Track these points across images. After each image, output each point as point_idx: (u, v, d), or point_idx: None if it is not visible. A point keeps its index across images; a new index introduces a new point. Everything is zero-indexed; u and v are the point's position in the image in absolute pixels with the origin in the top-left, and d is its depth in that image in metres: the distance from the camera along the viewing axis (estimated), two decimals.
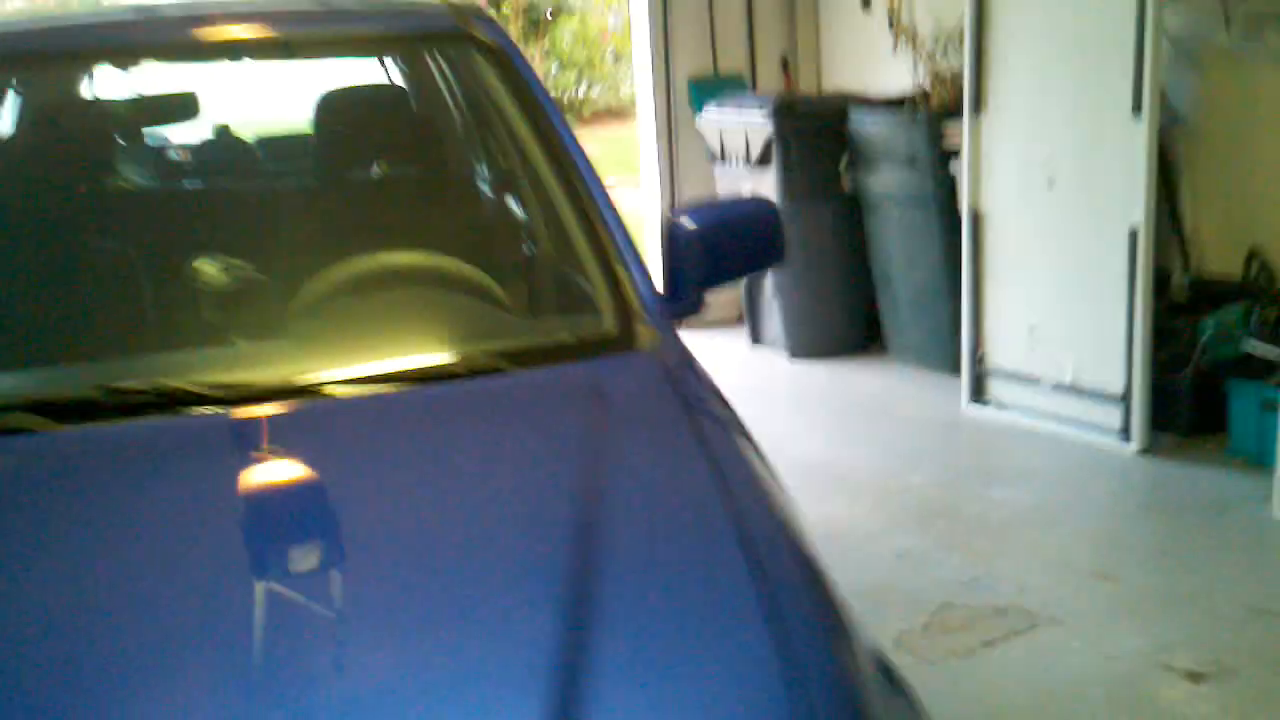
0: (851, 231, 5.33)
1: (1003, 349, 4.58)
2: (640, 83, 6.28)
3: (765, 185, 5.31)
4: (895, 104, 5.11)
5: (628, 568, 1.29)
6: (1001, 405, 4.60)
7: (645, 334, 1.86)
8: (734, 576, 1.28)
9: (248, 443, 1.57)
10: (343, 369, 1.71)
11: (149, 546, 1.35)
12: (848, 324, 5.55)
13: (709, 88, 5.83)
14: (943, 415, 4.71)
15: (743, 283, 5.72)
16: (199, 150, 2.72)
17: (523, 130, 2.17)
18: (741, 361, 5.64)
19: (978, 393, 4.67)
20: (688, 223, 2.02)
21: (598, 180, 2.09)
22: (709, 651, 1.18)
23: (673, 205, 6.07)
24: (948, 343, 4.85)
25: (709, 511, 1.41)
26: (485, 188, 2.37)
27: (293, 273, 2.00)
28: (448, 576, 1.29)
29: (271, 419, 1.61)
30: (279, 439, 1.58)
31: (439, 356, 1.79)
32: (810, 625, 1.25)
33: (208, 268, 1.97)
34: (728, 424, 1.72)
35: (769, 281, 5.50)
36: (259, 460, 1.54)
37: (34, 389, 1.73)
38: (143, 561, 1.32)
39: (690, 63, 5.95)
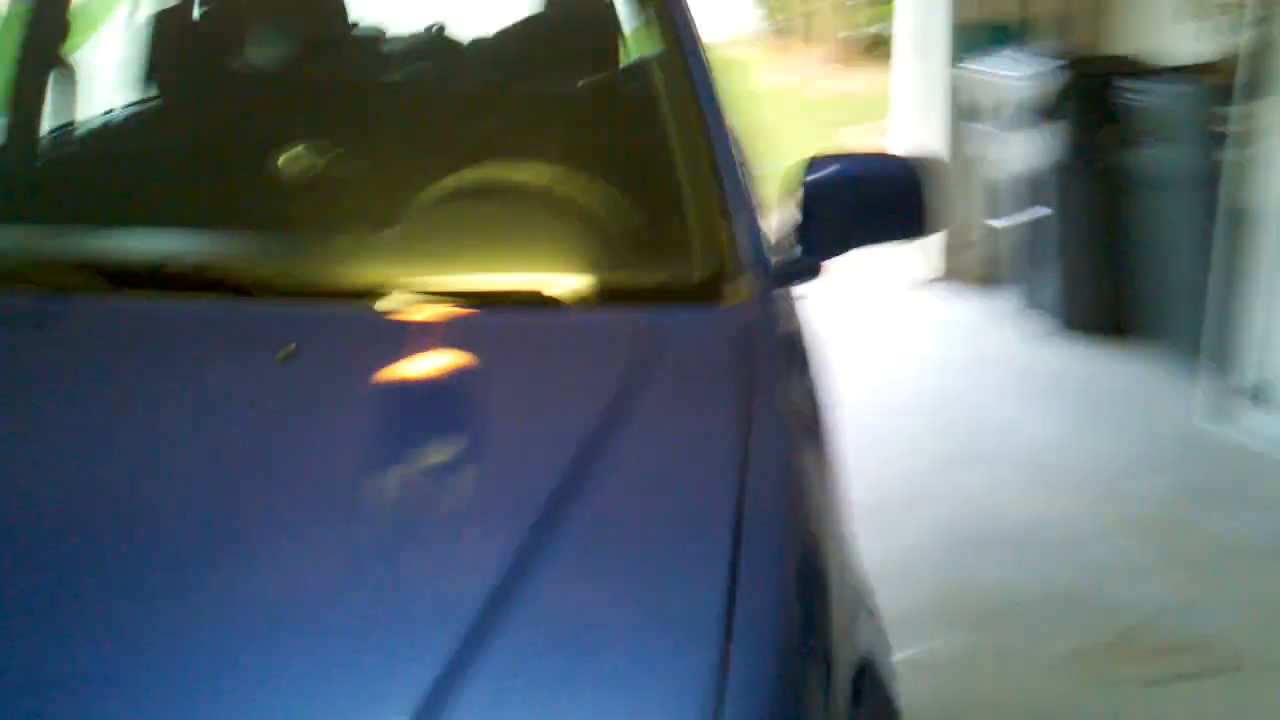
0: (1120, 207, 4.87)
1: (1271, 360, 4.11)
2: (901, 22, 5.98)
3: (1021, 148, 4.94)
4: (1177, 74, 4.61)
5: (587, 540, 1.17)
6: (1264, 422, 4.14)
7: (734, 291, 1.67)
8: (698, 575, 1.13)
9: (244, 338, 1.52)
10: (379, 280, 1.63)
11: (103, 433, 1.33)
12: (1110, 305, 5.08)
13: (976, 36, 5.44)
14: (1196, 421, 4.28)
15: (1011, 246, 5.40)
16: (404, 45, 2.72)
17: (654, 55, 2.02)
18: (991, 330, 5.33)
19: (1237, 404, 4.22)
20: (820, 177, 1.82)
21: (721, 117, 1.91)
22: (633, 651, 1.06)
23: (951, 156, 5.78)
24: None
25: (708, 497, 1.25)
26: (633, 113, 2.20)
27: (392, 175, 1.95)
28: (387, 528, 1.19)
29: (274, 317, 1.56)
30: (273, 338, 1.50)
31: (493, 281, 1.67)
32: (762, 637, 1.09)
33: (305, 159, 1.94)
34: (785, 404, 1.52)
35: (1031, 251, 5.16)
36: (246, 359, 1.47)
37: (76, 249, 1.72)
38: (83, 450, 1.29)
39: (958, 6, 5.53)
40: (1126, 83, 4.66)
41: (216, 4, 2.55)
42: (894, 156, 1.93)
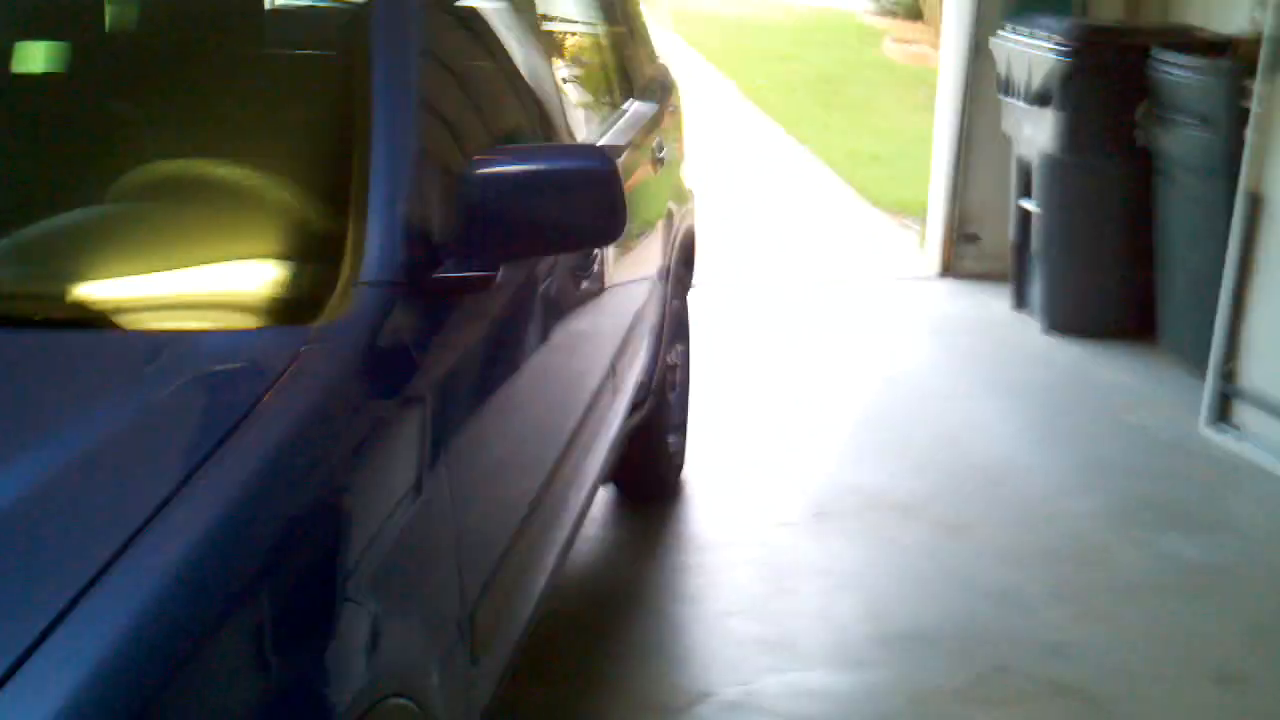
0: (1139, 194, 4.50)
1: (1266, 366, 3.77)
2: None
3: (1045, 127, 4.64)
4: (1210, 49, 4.23)
5: None
6: (1245, 435, 3.80)
7: (330, 308, 1.52)
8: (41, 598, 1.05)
9: None
10: None
11: None
12: (1119, 301, 4.76)
13: (1023, 4, 5.09)
14: (1174, 432, 3.93)
15: (1010, 236, 5.10)
16: None
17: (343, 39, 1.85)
18: (988, 327, 5.00)
19: (1221, 413, 3.89)
20: (489, 172, 1.67)
21: (397, 105, 1.73)
22: None
23: (961, 136, 5.47)
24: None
25: (102, 533, 1.13)
26: (289, 104, 1.99)
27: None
28: None
29: None
30: None
31: (43, 294, 1.57)
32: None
33: None
34: (291, 436, 1.35)
35: (1035, 240, 4.86)
36: None
37: None
38: None
39: None
40: (1161, 57, 4.31)
41: None
42: (580, 148, 1.79)
